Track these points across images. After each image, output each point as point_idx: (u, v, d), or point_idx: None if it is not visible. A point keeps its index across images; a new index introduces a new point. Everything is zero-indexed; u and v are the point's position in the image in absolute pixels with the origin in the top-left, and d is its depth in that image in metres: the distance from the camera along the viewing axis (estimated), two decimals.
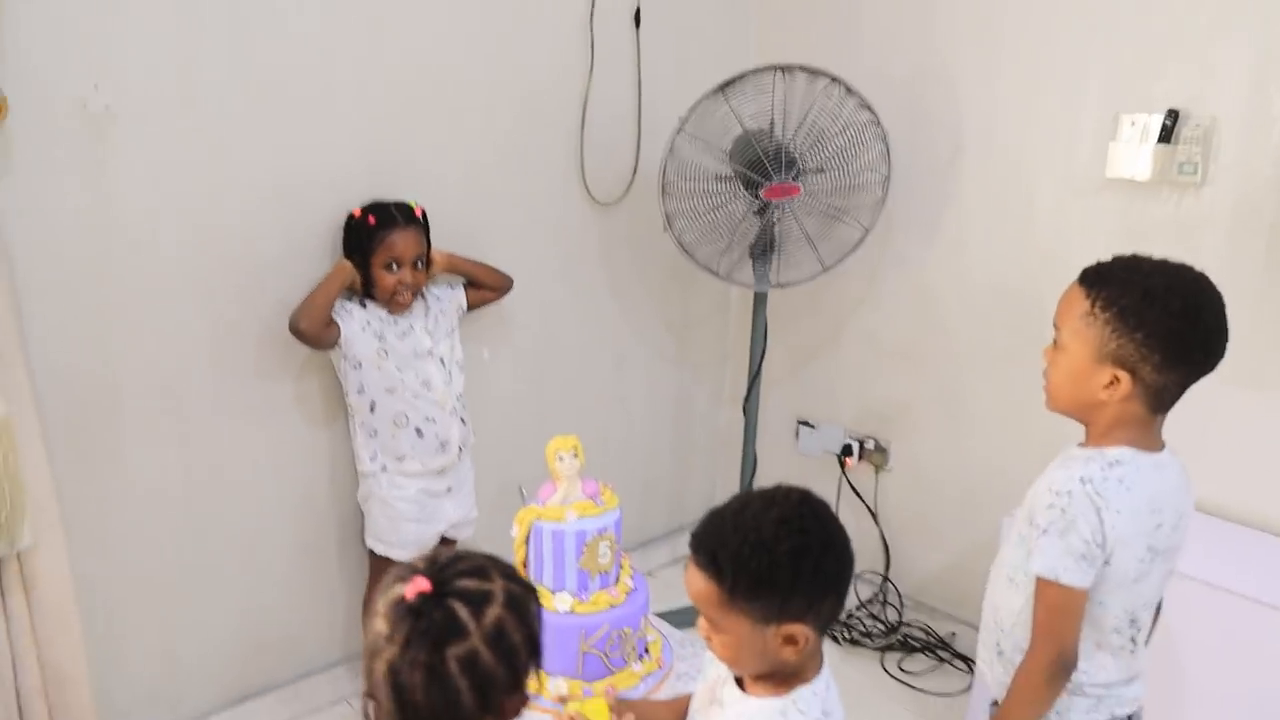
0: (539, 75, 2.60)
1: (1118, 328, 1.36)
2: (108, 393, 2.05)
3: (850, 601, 3.07)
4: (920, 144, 2.73)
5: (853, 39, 2.84)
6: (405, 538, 2.33)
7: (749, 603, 1.14)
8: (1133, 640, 1.50)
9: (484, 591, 1.00)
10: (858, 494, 3.06)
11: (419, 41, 2.34)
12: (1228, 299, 1.34)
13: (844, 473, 3.07)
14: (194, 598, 2.28)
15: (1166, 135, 2.27)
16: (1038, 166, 2.53)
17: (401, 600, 0.98)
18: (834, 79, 2.46)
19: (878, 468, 3.02)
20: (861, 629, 2.95)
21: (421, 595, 0.97)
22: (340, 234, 2.26)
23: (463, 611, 0.98)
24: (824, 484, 3.13)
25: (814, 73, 2.45)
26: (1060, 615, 1.41)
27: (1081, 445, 1.48)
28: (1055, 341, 1.46)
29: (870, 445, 3.02)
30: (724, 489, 3.40)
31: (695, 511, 3.47)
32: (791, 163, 2.49)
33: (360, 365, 2.23)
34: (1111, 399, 1.39)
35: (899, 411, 2.95)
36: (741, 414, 2.95)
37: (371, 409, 2.26)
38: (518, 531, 1.89)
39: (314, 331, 2.15)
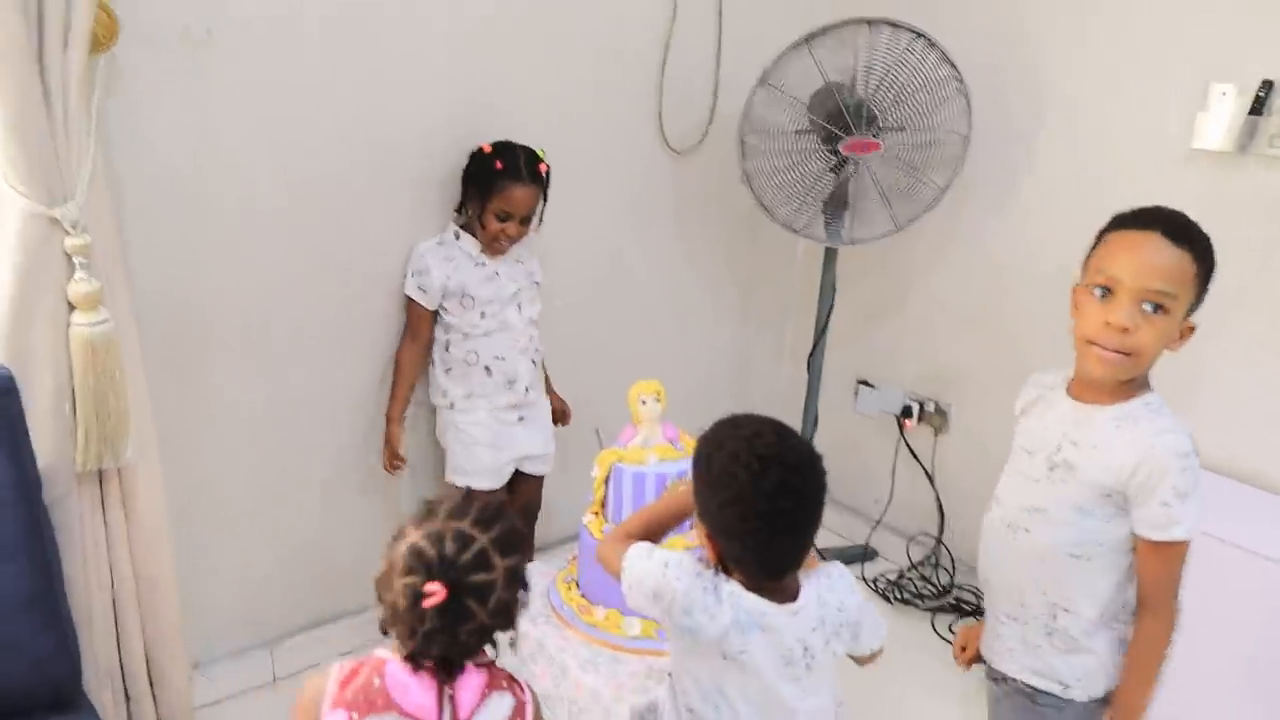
0: (622, 20, 2.61)
1: (1204, 281, 1.43)
2: (199, 317, 2.09)
3: (903, 563, 3.10)
4: (998, 109, 2.69)
5: None
6: (481, 464, 2.38)
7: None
8: None
9: (489, 582, 1.17)
10: (915, 456, 3.08)
11: None
12: None
13: (902, 434, 3.08)
14: (272, 524, 2.34)
15: (1258, 106, 2.24)
16: (1119, 137, 2.49)
17: (420, 602, 1.15)
18: (918, 33, 2.44)
19: (936, 430, 3.02)
20: (913, 590, 2.97)
21: (440, 605, 1.14)
22: (457, 165, 2.33)
23: (474, 605, 1.16)
24: (882, 444, 3.15)
25: (898, 26, 2.43)
26: (1180, 571, 1.42)
27: (1117, 401, 1.47)
28: (1161, 307, 1.40)
29: (930, 408, 3.02)
30: None
31: None
32: (872, 118, 2.49)
33: (443, 313, 2.33)
34: (1172, 349, 1.43)
35: (961, 376, 2.95)
36: (804, 371, 2.96)
37: (446, 347, 2.35)
38: (598, 472, 1.92)
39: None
